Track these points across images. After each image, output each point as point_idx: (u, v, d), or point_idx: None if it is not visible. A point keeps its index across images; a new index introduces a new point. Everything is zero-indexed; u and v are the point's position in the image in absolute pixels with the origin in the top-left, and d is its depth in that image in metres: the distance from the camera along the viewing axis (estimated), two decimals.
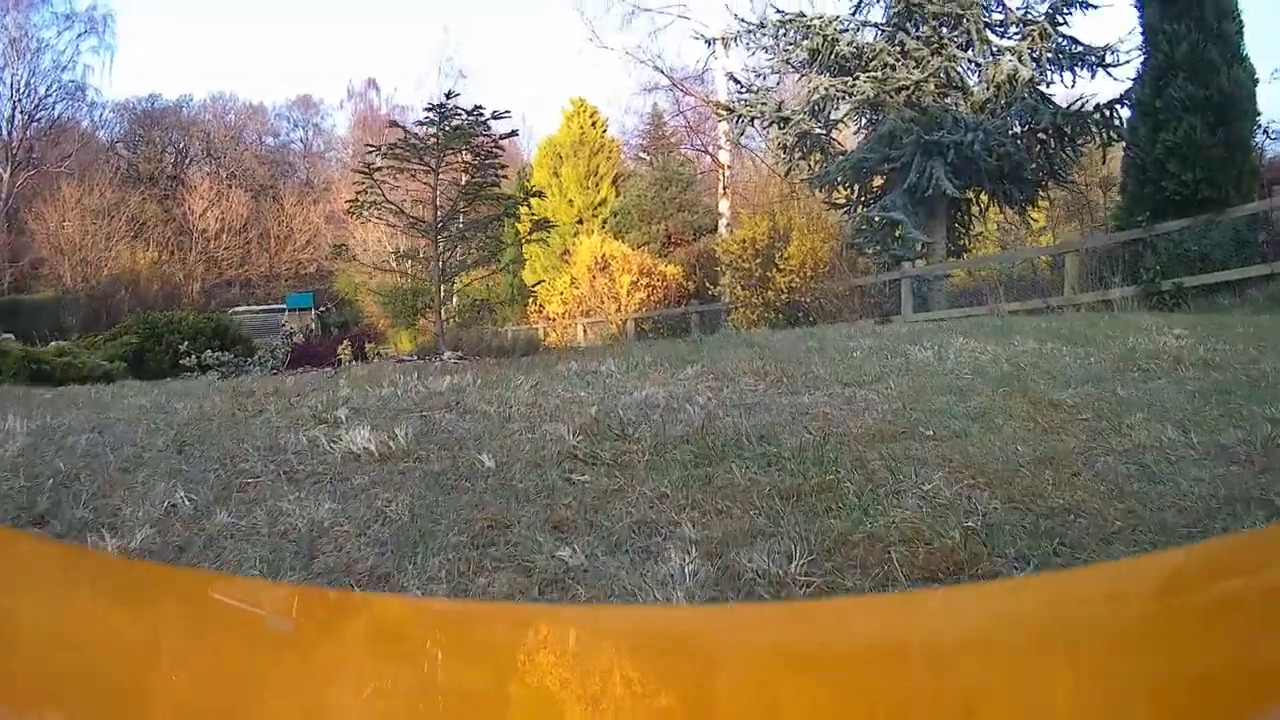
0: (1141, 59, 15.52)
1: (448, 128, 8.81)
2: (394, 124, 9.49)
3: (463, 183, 9.48)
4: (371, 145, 9.18)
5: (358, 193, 9.19)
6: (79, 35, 44.42)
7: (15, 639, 0.98)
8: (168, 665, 0.97)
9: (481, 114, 8.74)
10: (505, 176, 10.10)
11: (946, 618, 1.16)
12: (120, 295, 36.72)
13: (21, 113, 41.93)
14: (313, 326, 42.63)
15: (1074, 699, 0.81)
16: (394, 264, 11.26)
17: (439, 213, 9.06)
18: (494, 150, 9.09)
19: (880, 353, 6.88)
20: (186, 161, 49.52)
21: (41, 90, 42.93)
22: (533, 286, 28.26)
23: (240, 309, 44.10)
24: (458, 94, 8.91)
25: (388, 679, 0.98)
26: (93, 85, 52.17)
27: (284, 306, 42.54)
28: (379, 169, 8.92)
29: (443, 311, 31.27)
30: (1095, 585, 1.33)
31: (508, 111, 9.05)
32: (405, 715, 0.90)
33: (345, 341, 11.25)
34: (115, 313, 29.34)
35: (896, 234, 18.79)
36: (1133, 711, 0.78)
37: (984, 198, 20.25)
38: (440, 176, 9.15)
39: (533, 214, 10.57)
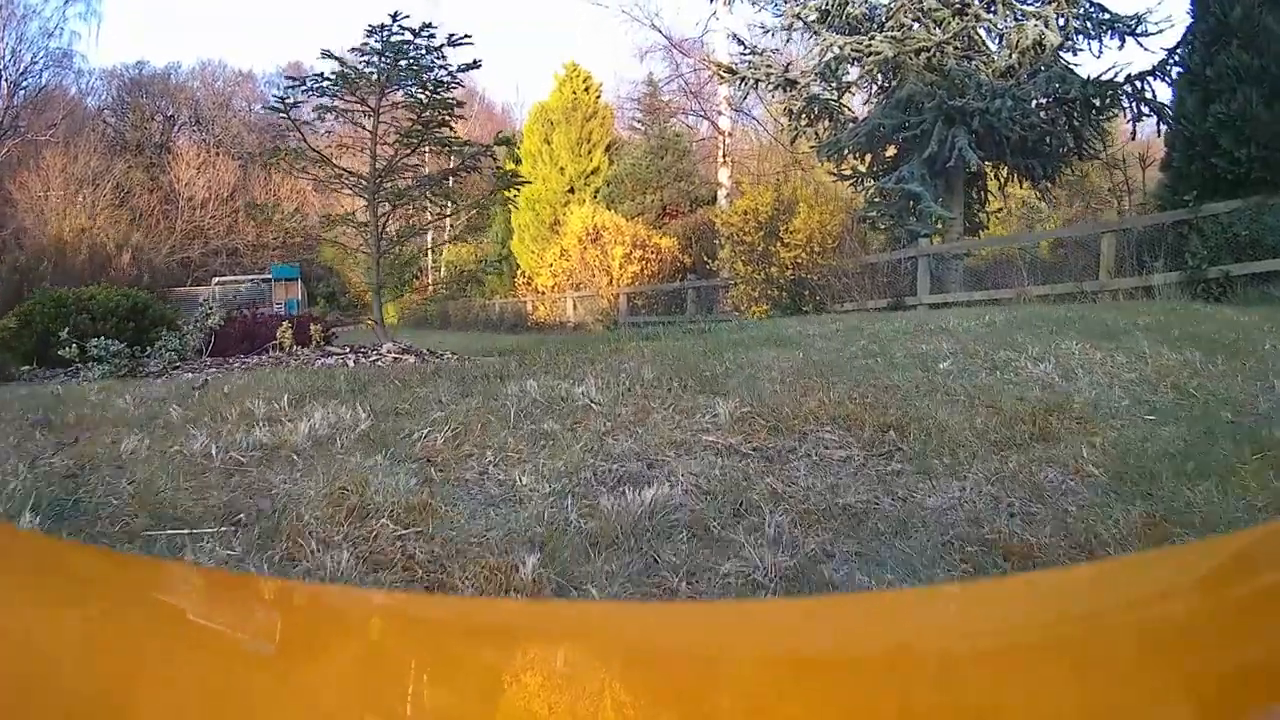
0: (1189, 23, 13.61)
1: (390, 56, 6.37)
2: (327, 54, 6.99)
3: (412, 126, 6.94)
4: (294, 79, 6.76)
5: (275, 139, 6.80)
6: (66, 1, 41.94)
7: (13, 637, 0.91)
8: (166, 661, 0.88)
9: (432, 35, 6.30)
10: (462, 116, 7.62)
11: (946, 616, 1.05)
12: (43, 268, 33.71)
13: (7, 81, 39.37)
14: (299, 298, 40.66)
15: (1073, 698, 0.73)
16: (325, 231, 8.86)
17: (378, 165, 6.64)
18: (448, 82, 6.65)
19: (976, 363, 4.60)
20: (174, 129, 46.81)
21: (27, 58, 40.22)
22: (495, 261, 25.86)
23: (226, 279, 42.04)
24: (406, 15, 6.46)
25: (386, 675, 0.88)
26: (80, 52, 49.58)
27: (269, 276, 40.73)
28: (295, 105, 6.49)
29: (428, 282, 29.02)
30: (1095, 584, 1.17)
31: (468, 36, 6.60)
32: (400, 712, 0.80)
33: (286, 324, 8.84)
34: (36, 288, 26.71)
35: (913, 208, 16.40)
36: (1132, 711, 0.71)
37: (1003, 172, 17.93)
38: (383, 119, 6.71)
39: (498, 166, 8.04)
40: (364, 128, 6.76)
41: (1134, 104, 16.15)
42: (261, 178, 45.31)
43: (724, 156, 23.71)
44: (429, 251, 39.58)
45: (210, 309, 8.21)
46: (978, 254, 16.12)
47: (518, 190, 8.22)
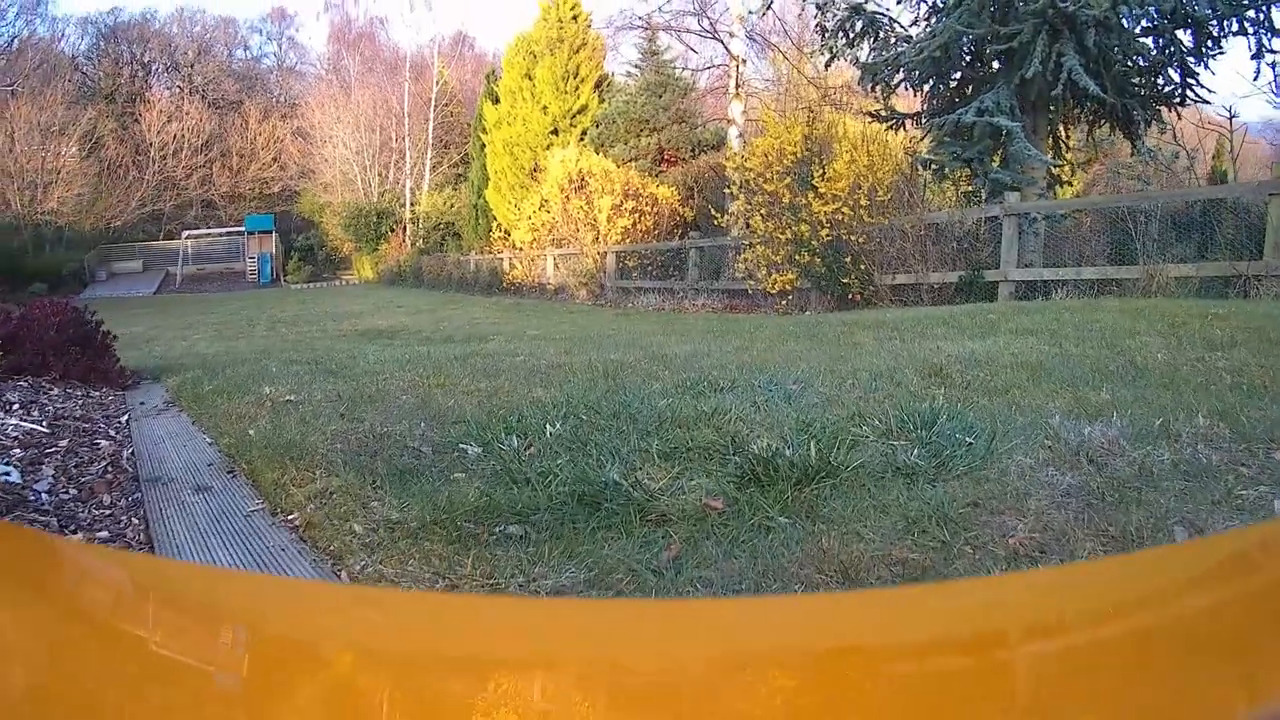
0: None
1: None
2: None
3: None
4: None
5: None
6: None
7: (14, 637, 0.84)
8: (165, 660, 0.82)
9: None
10: None
11: (944, 614, 0.95)
12: None
13: None
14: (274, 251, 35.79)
15: (1071, 697, 0.69)
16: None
17: None
18: None
19: None
20: (147, 76, 41.11)
21: None
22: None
23: (198, 232, 37.00)
24: None
25: (386, 673, 0.82)
26: None
27: (243, 229, 35.79)
28: None
29: (404, 238, 23.61)
30: (1094, 583, 1.07)
31: None
32: (396, 711, 0.74)
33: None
34: None
35: (998, 151, 11.35)
36: (1130, 710, 0.67)
37: (1087, 114, 12.89)
38: None
39: None
40: None
41: (1259, 33, 11.11)
42: (238, 125, 39.76)
43: (737, 88, 18.22)
44: (406, 203, 34.37)
45: None
46: (1079, 216, 11.05)
47: None
